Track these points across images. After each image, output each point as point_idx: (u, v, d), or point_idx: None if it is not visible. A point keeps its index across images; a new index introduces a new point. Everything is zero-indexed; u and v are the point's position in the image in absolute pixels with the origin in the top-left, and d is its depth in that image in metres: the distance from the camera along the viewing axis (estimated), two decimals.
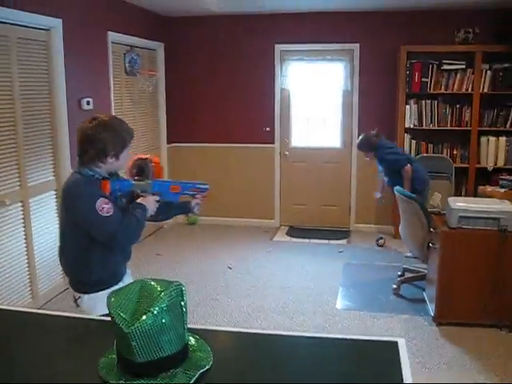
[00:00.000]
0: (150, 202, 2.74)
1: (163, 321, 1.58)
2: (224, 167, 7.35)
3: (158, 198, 2.78)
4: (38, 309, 4.60)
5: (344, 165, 7.11)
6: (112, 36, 5.68)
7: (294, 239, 6.83)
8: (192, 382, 1.60)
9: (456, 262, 4.18)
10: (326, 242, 6.70)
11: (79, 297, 2.75)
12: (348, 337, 2.02)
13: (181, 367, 1.65)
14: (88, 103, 5.24)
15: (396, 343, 1.88)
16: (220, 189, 7.35)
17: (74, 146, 4.84)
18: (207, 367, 1.68)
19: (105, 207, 2.54)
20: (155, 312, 1.57)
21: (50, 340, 1.96)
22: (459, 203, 4.21)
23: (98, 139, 2.57)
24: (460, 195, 6.45)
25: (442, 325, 4.31)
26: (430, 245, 4.49)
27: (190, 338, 1.77)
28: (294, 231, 7.13)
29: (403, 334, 4.15)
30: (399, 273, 5.32)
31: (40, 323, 2.16)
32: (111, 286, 2.64)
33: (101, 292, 2.65)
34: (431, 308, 4.48)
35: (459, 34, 6.43)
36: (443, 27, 6.43)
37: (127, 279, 2.85)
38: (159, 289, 1.65)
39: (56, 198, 4.90)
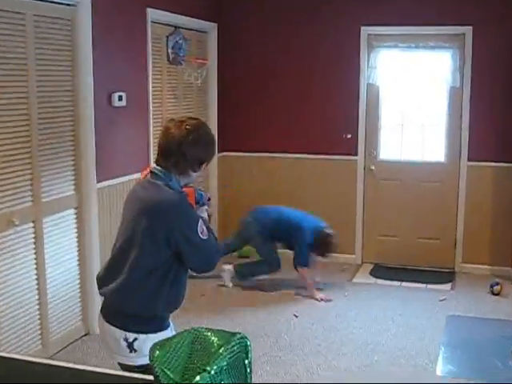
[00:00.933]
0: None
1: (222, 383, 1.58)
2: (291, 184, 7.34)
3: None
4: (51, 357, 4.69)
5: (449, 185, 7.02)
6: (152, 13, 5.81)
7: (381, 281, 6.79)
8: None
9: None
10: (423, 286, 6.61)
11: (135, 338, 2.83)
12: None
13: None
14: (120, 99, 5.36)
15: None
16: None
17: (102, 153, 5.00)
18: None
19: (204, 229, 2.86)
20: (212, 372, 1.57)
21: None
22: None
23: (195, 153, 2.91)
24: None
25: None
26: None
27: None
28: (381, 271, 7.08)
29: None
30: None
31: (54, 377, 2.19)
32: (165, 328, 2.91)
33: (162, 333, 2.84)
34: None
35: None
36: None
37: (172, 331, 2.95)
38: (217, 342, 1.66)
39: (76, 216, 5.01)
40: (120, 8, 5.38)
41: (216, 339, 1.68)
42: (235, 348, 1.65)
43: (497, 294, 6.29)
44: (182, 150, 2.85)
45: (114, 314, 2.91)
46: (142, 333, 2.83)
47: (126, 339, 2.85)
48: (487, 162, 6.85)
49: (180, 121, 2.94)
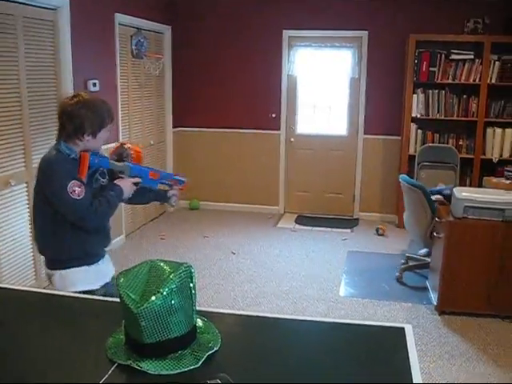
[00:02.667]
0: (127, 185, 2.78)
1: (172, 302, 1.59)
2: (229, 153, 7.33)
3: (136, 181, 2.81)
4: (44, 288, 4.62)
5: (349, 153, 7.10)
6: (119, 18, 5.65)
7: (298, 226, 6.83)
8: (200, 363, 1.61)
9: (460, 252, 4.18)
10: (330, 229, 6.69)
11: (53, 274, 2.74)
12: (355, 322, 2.03)
13: (189, 349, 1.65)
14: (94, 85, 5.22)
15: (403, 329, 1.88)
16: (224, 174, 7.38)
17: None
18: (215, 349, 1.68)
19: (76, 190, 2.55)
20: (164, 293, 1.57)
21: (54, 320, 1.97)
22: (465, 193, 4.21)
23: (76, 116, 2.60)
24: (465, 186, 6.43)
25: (444, 314, 4.32)
26: (434, 234, 4.49)
27: (198, 320, 1.77)
28: (299, 219, 7.12)
29: (405, 322, 4.15)
30: (402, 261, 5.32)
31: (43, 303, 2.16)
32: (83, 265, 2.71)
33: (72, 269, 2.69)
34: (434, 297, 4.48)
35: (468, 23, 6.39)
36: (453, 16, 6.39)
37: (105, 264, 2.85)
38: (169, 270, 1.65)
39: None
40: (93, 12, 5.22)
41: (168, 268, 1.68)
42: (182, 274, 1.65)
43: (381, 235, 6.44)
44: (64, 116, 2.62)
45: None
46: (56, 269, 2.72)
47: (47, 274, 2.81)
48: (378, 135, 6.96)
49: (74, 95, 2.68)
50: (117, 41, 5.67)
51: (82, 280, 2.69)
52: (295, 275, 5.18)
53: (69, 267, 2.69)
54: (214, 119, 7.28)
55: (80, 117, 2.59)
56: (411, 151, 6.60)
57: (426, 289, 4.80)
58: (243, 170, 7.33)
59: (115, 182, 2.76)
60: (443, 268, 4.23)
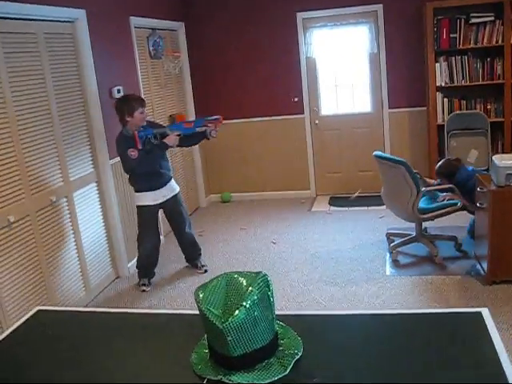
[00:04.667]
0: (171, 138, 4.49)
1: (255, 313, 1.61)
2: (255, 142, 7.32)
3: (176, 133, 4.47)
4: (93, 300, 4.70)
5: (376, 129, 7.05)
6: (134, 21, 5.65)
7: (333, 208, 6.82)
8: (288, 370, 1.62)
9: (506, 221, 4.14)
10: (365, 208, 6.67)
11: (134, 195, 4.80)
12: (429, 311, 2.03)
13: (274, 357, 1.68)
14: (119, 91, 5.24)
15: (480, 314, 1.87)
16: (252, 164, 7.39)
17: (109, 135, 4.92)
18: (300, 354, 1.70)
19: (131, 153, 4.37)
20: (247, 306, 1.59)
21: (131, 340, 2.00)
22: (506, 161, 4.16)
23: (117, 108, 4.54)
24: (497, 151, 6.36)
25: (495, 283, 4.30)
26: (478, 204, 4.45)
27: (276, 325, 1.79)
28: (333, 200, 7.11)
29: (459, 297, 4.15)
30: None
31: (112, 321, 2.19)
32: (144, 191, 4.67)
33: (139, 193, 4.71)
34: (483, 267, 4.46)
35: None
36: None
37: (160, 191, 4.71)
38: (246, 282, 1.67)
39: (98, 189, 4.95)
40: (109, 20, 5.23)
41: (244, 280, 1.70)
42: (261, 284, 1.67)
43: None
44: (116, 108, 4.54)
45: None
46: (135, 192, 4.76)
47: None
48: (403, 108, 6.90)
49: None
50: (135, 44, 5.68)
51: (144, 199, 4.66)
52: (339, 259, 5.18)
53: (138, 192, 4.70)
54: (236, 110, 7.27)
55: (118, 108, 4.53)
56: (439, 121, 6.53)
57: (469, 259, 4.80)
58: (271, 157, 7.33)
59: (163, 140, 4.49)
60: (490, 238, 4.20)
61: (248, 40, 7.05)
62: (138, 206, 4.74)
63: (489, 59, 6.25)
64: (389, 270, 4.85)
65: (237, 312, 1.58)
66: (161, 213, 5.00)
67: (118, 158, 5.01)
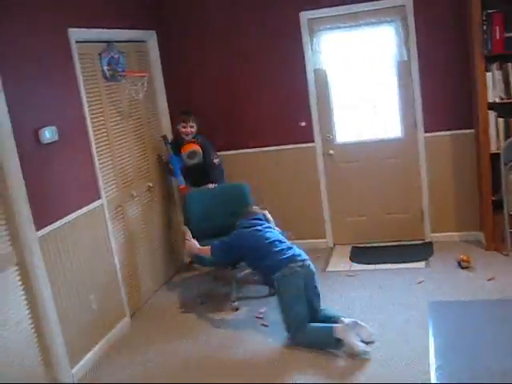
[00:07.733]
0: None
1: None
2: (253, 178, 5.84)
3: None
4: None
5: (409, 158, 5.65)
6: (75, 33, 4.23)
7: (355, 266, 5.43)
8: None
9: None
10: (398, 266, 5.24)
11: None
12: None
13: None
14: (51, 133, 3.84)
15: None
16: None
17: (36, 198, 3.54)
18: None
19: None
20: None
21: None
22: None
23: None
24: None
25: None
26: None
27: None
28: (355, 253, 5.71)
29: None
30: None
31: None
32: None
33: None
34: None
35: None
36: None
37: None
38: None
39: (19, 274, 3.58)
40: (36, 33, 3.84)
41: None
42: None
43: (465, 268, 4.99)
44: None
45: None
46: None
47: None
48: (443, 131, 5.50)
49: None
50: (77, 65, 4.26)
51: None
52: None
53: None
54: (225, 139, 5.90)
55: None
56: (493, 148, 5.14)
57: None
58: (274, 199, 5.86)
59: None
60: None
61: (240, 51, 5.70)
62: None
63: None
64: (434, 378, 3.35)
65: None
66: None
67: (52, 227, 3.87)
